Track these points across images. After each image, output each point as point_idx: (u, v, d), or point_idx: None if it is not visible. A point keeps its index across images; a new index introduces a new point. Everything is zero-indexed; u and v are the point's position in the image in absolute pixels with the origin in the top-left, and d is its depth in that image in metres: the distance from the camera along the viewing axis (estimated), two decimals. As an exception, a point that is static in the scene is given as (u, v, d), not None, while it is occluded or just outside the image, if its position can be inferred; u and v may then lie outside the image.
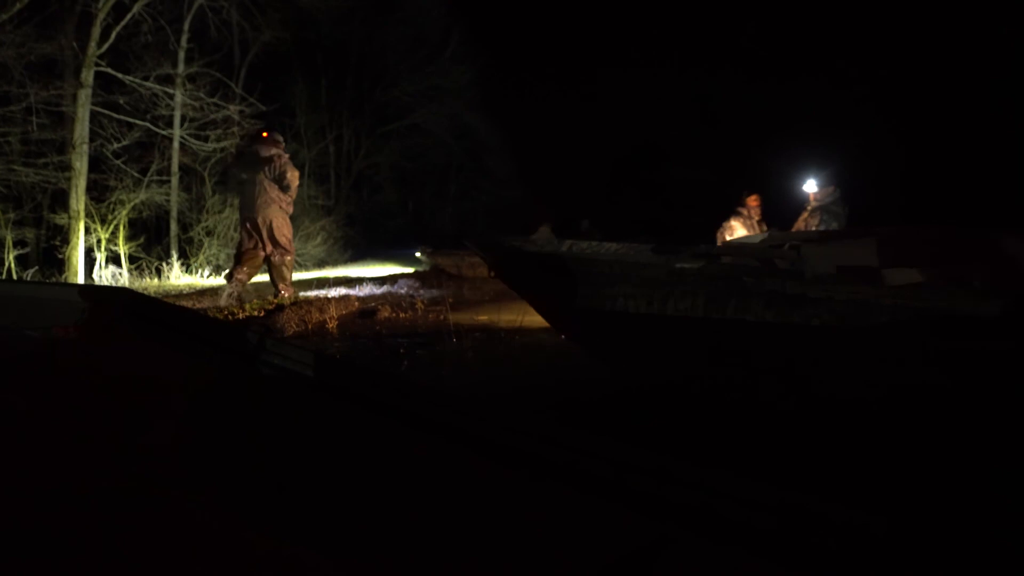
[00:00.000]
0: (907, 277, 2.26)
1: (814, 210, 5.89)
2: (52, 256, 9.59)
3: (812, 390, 2.17)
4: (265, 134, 6.15)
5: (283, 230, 6.08)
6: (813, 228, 5.92)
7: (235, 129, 11.03)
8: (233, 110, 10.92)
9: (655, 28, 16.50)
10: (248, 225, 6.03)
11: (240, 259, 6.11)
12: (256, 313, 5.39)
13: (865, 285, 2.15)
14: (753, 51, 14.03)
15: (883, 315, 1.96)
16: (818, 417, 2.09)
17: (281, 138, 6.30)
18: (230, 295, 6.00)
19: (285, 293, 6.21)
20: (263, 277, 9.23)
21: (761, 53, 13.73)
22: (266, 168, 5.92)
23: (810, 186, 6.01)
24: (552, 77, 18.30)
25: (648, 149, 16.78)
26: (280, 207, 6.03)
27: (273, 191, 5.95)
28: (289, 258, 6.24)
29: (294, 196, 6.19)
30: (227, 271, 6.28)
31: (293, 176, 6.07)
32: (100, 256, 9.62)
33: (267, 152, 5.97)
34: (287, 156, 6.19)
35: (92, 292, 2.05)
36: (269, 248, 6.05)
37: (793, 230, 6.21)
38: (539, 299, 3.20)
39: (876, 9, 11.42)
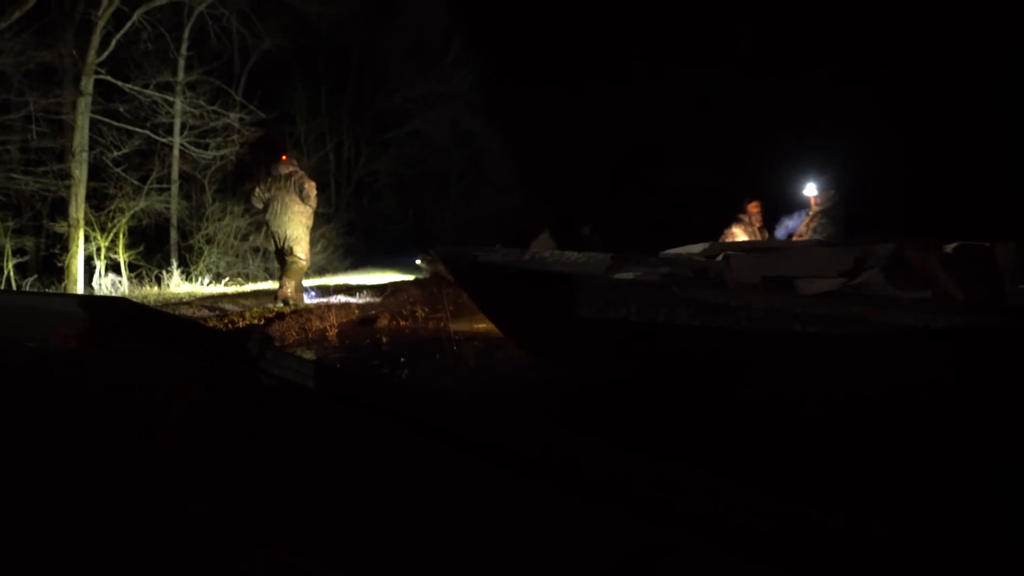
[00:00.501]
0: (818, 287, 2.44)
1: (815, 215, 5.95)
2: (52, 264, 9.57)
3: (737, 392, 2.29)
4: (284, 157, 6.86)
5: (301, 242, 6.74)
6: (813, 231, 5.98)
7: (235, 137, 11.04)
8: (233, 118, 10.92)
9: (655, 29, 16.47)
10: (274, 239, 6.72)
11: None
12: (256, 321, 5.38)
13: (780, 294, 2.30)
14: (754, 51, 14.01)
15: (796, 322, 2.05)
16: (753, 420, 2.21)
17: (296, 161, 7.06)
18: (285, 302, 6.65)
19: (288, 291, 6.67)
20: (264, 284, 9.36)
21: (762, 53, 13.72)
22: (287, 185, 6.59)
23: (810, 190, 6.07)
24: (553, 80, 18.28)
25: (651, 151, 16.75)
26: (301, 221, 6.71)
27: (295, 205, 6.63)
28: (302, 264, 6.82)
29: (315, 206, 6.87)
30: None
31: (311, 186, 6.71)
32: (100, 264, 9.60)
33: (286, 170, 6.66)
34: (303, 172, 6.85)
35: (90, 302, 2.04)
36: (287, 254, 6.71)
37: (795, 236, 6.24)
38: (491, 308, 3.31)
39: (876, 8, 11.40)
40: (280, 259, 6.86)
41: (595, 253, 3.28)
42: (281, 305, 6.48)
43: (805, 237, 6.09)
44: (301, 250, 6.73)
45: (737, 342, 2.18)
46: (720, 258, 2.93)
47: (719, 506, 0.80)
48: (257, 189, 6.77)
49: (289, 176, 6.64)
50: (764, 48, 13.70)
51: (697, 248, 3.23)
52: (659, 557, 0.71)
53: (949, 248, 2.91)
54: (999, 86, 9.57)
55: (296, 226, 6.67)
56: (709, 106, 14.46)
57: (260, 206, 6.88)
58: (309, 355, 4.12)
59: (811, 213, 6.06)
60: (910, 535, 0.74)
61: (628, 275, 2.78)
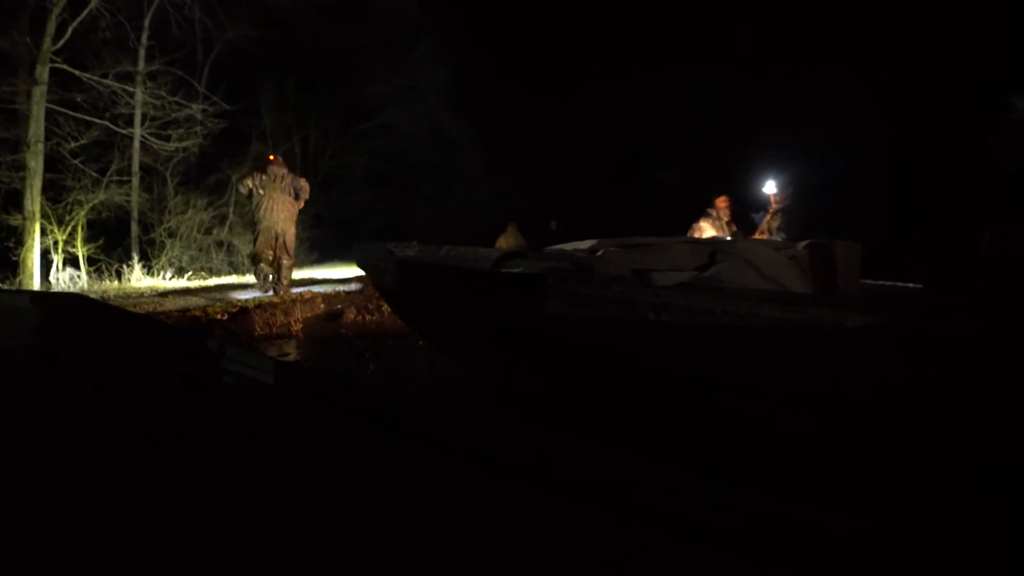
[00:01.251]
0: (671, 279, 2.65)
1: (776, 212, 6.14)
2: (6, 258, 9.28)
3: (611, 376, 2.47)
4: (272, 156, 7.37)
5: (292, 239, 7.29)
6: (775, 228, 6.16)
7: (198, 128, 10.83)
8: (196, 109, 10.71)
9: (651, 29, 16.45)
10: (268, 235, 7.04)
11: (259, 264, 7.22)
12: (220, 316, 5.31)
13: (635, 286, 2.47)
14: (748, 51, 14.06)
15: (649, 311, 2.26)
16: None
17: (282, 160, 7.53)
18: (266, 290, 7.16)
19: (283, 293, 7.10)
20: (228, 279, 9.27)
21: (756, 53, 13.78)
22: (281, 185, 7.05)
23: (769, 187, 6.24)
24: (531, 76, 18.16)
25: (641, 148, 16.76)
26: (293, 219, 7.27)
27: (289, 204, 7.12)
28: (292, 262, 7.46)
29: (307, 198, 7.36)
30: (269, 283, 7.29)
31: (303, 181, 7.33)
32: (57, 258, 9.34)
33: (279, 171, 7.09)
34: (293, 173, 7.39)
35: (48, 299, 2.00)
36: (281, 255, 7.13)
37: (758, 233, 6.40)
38: (391, 299, 3.42)
39: (876, 10, 11.49)
40: (263, 253, 7.16)
41: (509, 248, 3.42)
42: (283, 295, 6.96)
43: (766, 234, 6.26)
44: (290, 249, 7.27)
45: (604, 330, 2.37)
46: (600, 253, 3.12)
47: (702, 508, 0.81)
48: (248, 179, 7.11)
49: (282, 178, 7.09)
50: (759, 49, 13.76)
51: (584, 244, 3.38)
52: (644, 557, 0.73)
53: (800, 246, 3.22)
54: (997, 88, 9.70)
55: (291, 224, 7.20)
56: (701, 106, 14.47)
57: (245, 192, 7.20)
58: (274, 352, 4.09)
59: (771, 211, 6.23)
60: (897, 533, 0.75)
61: (514, 269, 2.96)
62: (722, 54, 14.50)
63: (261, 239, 7.14)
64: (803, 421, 1.98)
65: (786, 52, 12.82)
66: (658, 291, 2.34)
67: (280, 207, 7.04)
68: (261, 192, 7.00)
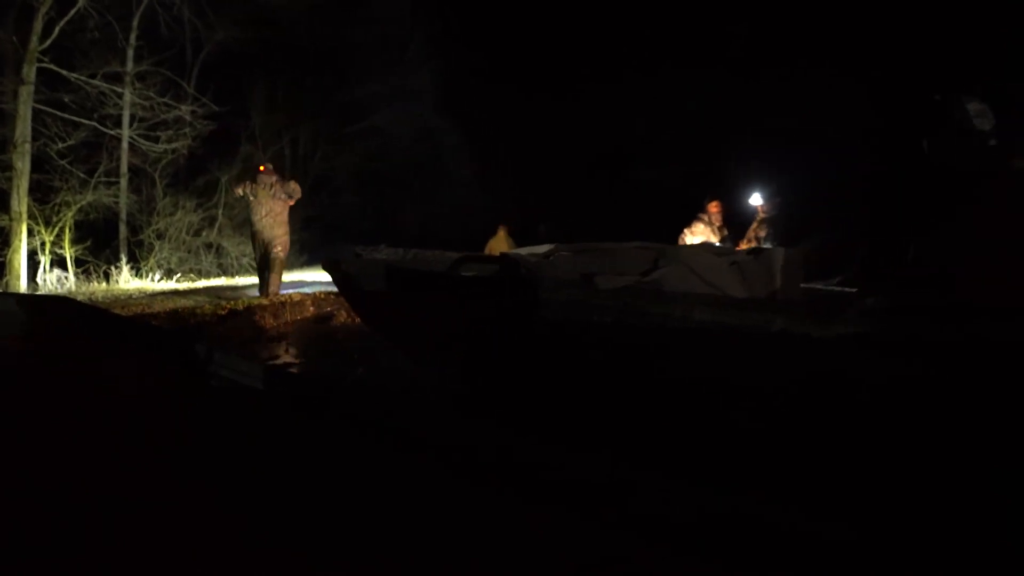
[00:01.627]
0: (614, 282, 2.72)
1: (762, 221, 6.22)
2: (-8, 259, 9.21)
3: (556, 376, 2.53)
4: (263, 168, 7.56)
5: (283, 240, 7.49)
6: (761, 237, 6.22)
7: (187, 130, 10.78)
8: (185, 110, 10.67)
9: (644, 30, 16.45)
10: (259, 239, 7.40)
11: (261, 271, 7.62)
12: (209, 319, 5.28)
13: (580, 289, 2.56)
14: (741, 52, 14.07)
15: (593, 313, 2.34)
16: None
17: (272, 166, 7.79)
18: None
19: (273, 288, 7.37)
20: (217, 281, 9.25)
21: (749, 54, 13.79)
22: (272, 192, 7.34)
23: (755, 199, 6.32)
24: (524, 76, 18.14)
25: (635, 148, 16.73)
26: (283, 220, 7.50)
27: (278, 206, 7.40)
28: (281, 260, 7.60)
29: (299, 196, 7.65)
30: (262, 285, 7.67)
31: (293, 183, 7.59)
32: (44, 259, 9.28)
33: (269, 179, 7.37)
34: (283, 180, 7.60)
35: (34, 302, 2.00)
36: (270, 252, 7.40)
37: (744, 241, 6.46)
38: (352, 301, 3.49)
39: (867, 8, 11.55)
40: (263, 259, 7.49)
41: (473, 253, 3.50)
42: (272, 293, 7.19)
43: (753, 242, 6.30)
44: (282, 246, 7.47)
45: (551, 331, 2.43)
46: (550, 257, 3.20)
47: (686, 511, 0.82)
48: (239, 188, 7.42)
49: (271, 185, 7.37)
50: (756, 49, 13.78)
51: (541, 249, 3.44)
52: (622, 564, 0.73)
53: (744, 252, 3.31)
54: (993, 90, 9.74)
55: (279, 225, 7.44)
56: (696, 106, 14.46)
57: (236, 196, 7.58)
58: (265, 355, 4.09)
59: (758, 219, 6.30)
60: (882, 538, 0.76)
61: (469, 272, 3.03)
62: (715, 55, 14.53)
63: (254, 243, 7.49)
64: (737, 417, 2.07)
65: (779, 53, 12.87)
66: (600, 294, 2.43)
67: (270, 213, 7.35)
68: (252, 199, 7.31)
